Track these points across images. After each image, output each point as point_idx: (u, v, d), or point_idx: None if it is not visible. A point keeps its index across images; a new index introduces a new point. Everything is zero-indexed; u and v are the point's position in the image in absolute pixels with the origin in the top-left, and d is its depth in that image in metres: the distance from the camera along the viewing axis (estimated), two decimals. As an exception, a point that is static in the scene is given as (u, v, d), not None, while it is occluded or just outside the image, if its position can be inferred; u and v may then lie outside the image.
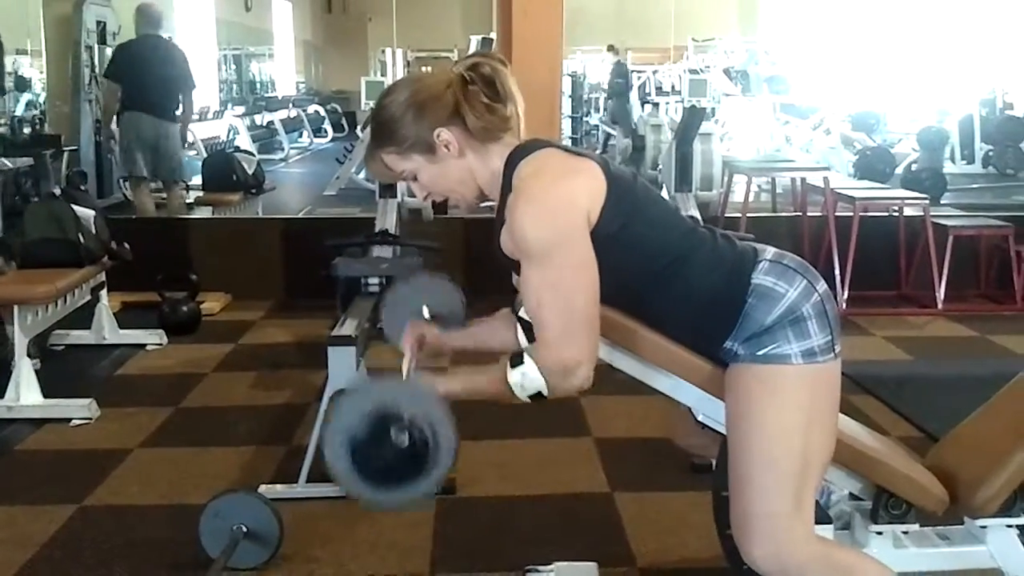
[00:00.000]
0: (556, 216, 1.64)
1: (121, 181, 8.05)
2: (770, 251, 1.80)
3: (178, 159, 6.60)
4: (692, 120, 5.87)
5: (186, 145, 8.58)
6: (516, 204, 1.65)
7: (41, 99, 9.20)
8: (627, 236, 1.70)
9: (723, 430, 1.85)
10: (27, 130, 7.27)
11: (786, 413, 1.71)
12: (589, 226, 1.67)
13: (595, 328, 1.67)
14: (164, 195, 6.79)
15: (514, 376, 1.66)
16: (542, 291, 1.65)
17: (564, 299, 1.64)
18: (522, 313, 1.90)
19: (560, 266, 1.63)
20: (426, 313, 2.10)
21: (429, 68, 16.77)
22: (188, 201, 7.88)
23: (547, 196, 1.65)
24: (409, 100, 1.73)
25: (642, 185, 1.82)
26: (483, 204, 1.86)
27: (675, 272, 1.75)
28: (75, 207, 4.24)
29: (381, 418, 1.59)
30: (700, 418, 1.95)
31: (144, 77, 6.22)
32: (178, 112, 6.49)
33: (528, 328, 1.79)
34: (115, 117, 6.39)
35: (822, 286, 1.78)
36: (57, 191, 4.72)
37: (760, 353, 1.73)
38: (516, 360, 1.67)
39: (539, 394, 1.67)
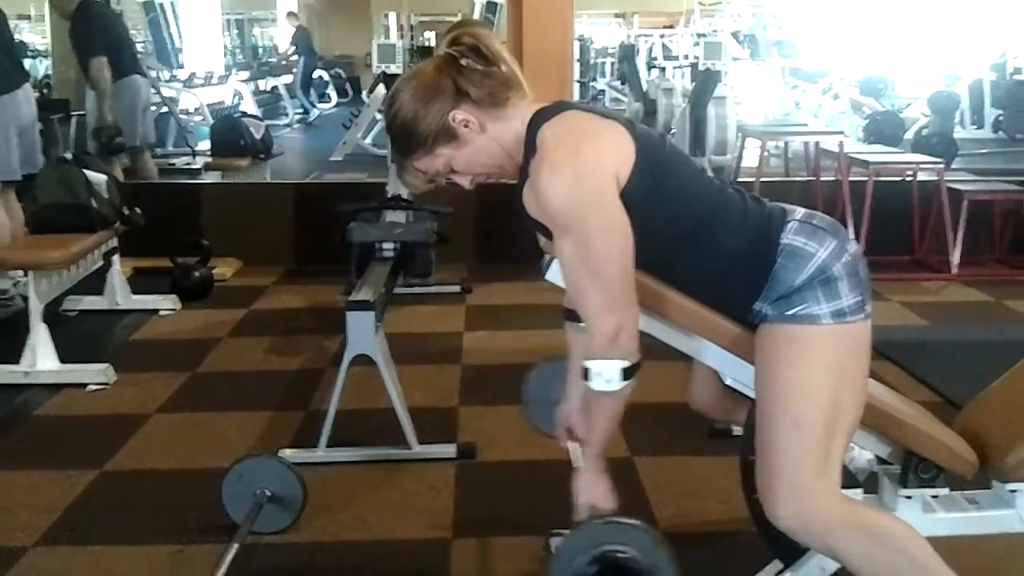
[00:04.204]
0: (581, 180, 1.63)
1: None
2: (800, 211, 1.79)
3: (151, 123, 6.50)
4: (706, 84, 5.82)
5: (174, 107, 8.50)
6: (540, 172, 1.64)
7: (45, 65, 9.14)
8: (656, 198, 1.69)
9: (751, 394, 1.84)
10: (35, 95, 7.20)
11: (814, 373, 1.70)
12: (618, 187, 1.65)
13: (631, 290, 1.67)
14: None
15: (597, 384, 1.69)
16: (574, 258, 1.65)
17: (596, 264, 1.63)
18: (549, 276, 1.89)
19: (591, 231, 1.63)
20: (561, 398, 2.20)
21: (433, 32, 16.66)
22: (195, 166, 7.88)
23: (571, 161, 1.64)
24: (413, 99, 1.72)
25: (670, 146, 1.81)
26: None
27: (704, 233, 1.74)
28: (87, 172, 4.21)
29: (607, 559, 1.71)
30: (728, 382, 1.95)
31: (118, 39, 6.00)
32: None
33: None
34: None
35: (853, 246, 1.77)
36: (68, 156, 4.68)
37: (789, 313, 1.72)
38: (584, 375, 1.70)
39: (623, 372, 1.69)
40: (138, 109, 6.17)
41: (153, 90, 9.12)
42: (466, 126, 1.73)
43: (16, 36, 10.80)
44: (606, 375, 1.68)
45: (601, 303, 1.65)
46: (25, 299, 3.89)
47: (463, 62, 1.71)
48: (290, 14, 15.65)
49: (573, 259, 1.66)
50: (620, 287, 1.66)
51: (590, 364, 1.68)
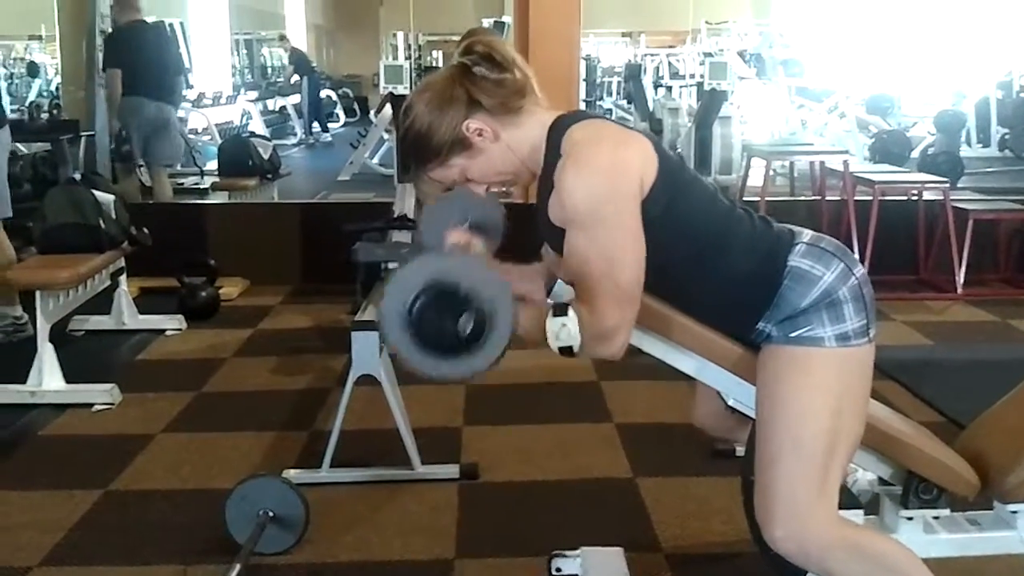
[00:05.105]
0: (610, 180, 1.62)
1: (137, 168, 8.07)
2: (807, 234, 1.79)
3: (178, 144, 6.63)
4: (712, 103, 5.83)
5: (183, 127, 8.63)
6: (567, 168, 1.63)
7: (53, 85, 9.21)
8: (670, 215, 1.69)
9: (753, 414, 1.84)
10: (44, 116, 7.27)
11: (816, 395, 1.70)
12: (640, 196, 1.65)
13: (637, 298, 1.66)
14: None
15: (553, 325, 1.62)
16: (589, 254, 1.62)
17: (611, 264, 1.62)
18: (554, 298, 1.89)
19: (610, 231, 1.62)
20: (466, 223, 2.05)
21: (440, 52, 16.75)
22: (203, 186, 7.93)
23: (601, 161, 1.63)
24: (426, 110, 1.72)
25: (689, 169, 1.82)
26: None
27: (713, 253, 1.75)
28: (95, 192, 4.24)
29: (439, 287, 1.55)
30: (731, 403, 1.95)
31: (143, 61, 6.25)
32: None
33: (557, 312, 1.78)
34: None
35: (859, 269, 1.77)
36: (77, 176, 4.71)
37: (793, 335, 1.72)
38: (559, 310, 1.63)
39: (570, 349, 1.63)
40: (133, 128, 6.30)
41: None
42: (480, 135, 1.72)
43: (27, 56, 10.89)
44: (563, 337, 1.61)
45: (610, 298, 1.62)
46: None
47: (475, 70, 1.71)
48: (281, 37, 15.72)
49: (590, 254, 1.62)
50: (631, 290, 1.64)
51: (569, 320, 1.60)
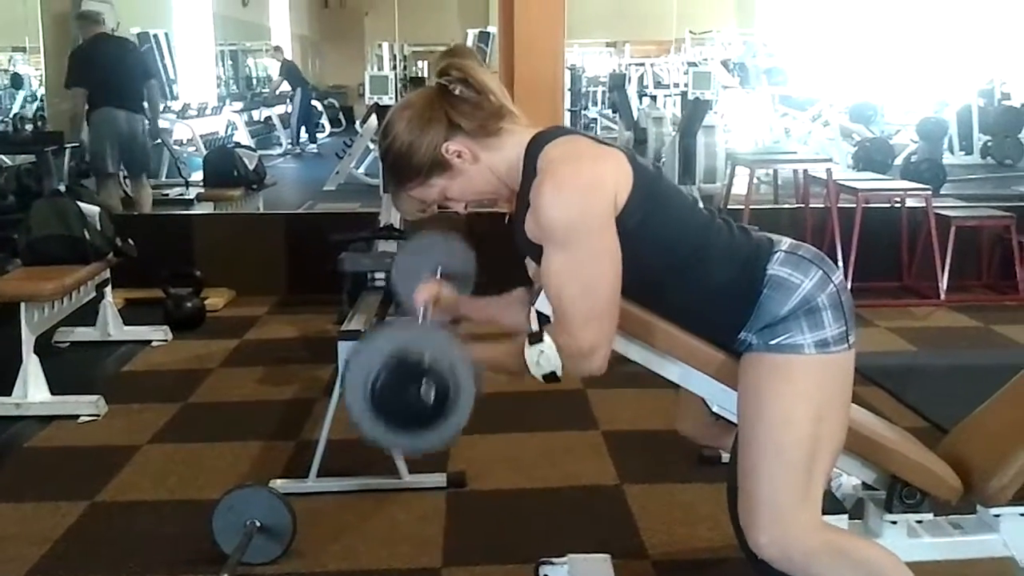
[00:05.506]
0: (584, 198, 1.63)
1: (121, 178, 8.05)
2: (786, 242, 1.81)
3: (148, 153, 6.65)
4: (696, 113, 5.87)
5: (167, 138, 8.62)
6: (543, 185, 1.64)
7: (39, 96, 9.18)
8: (648, 228, 1.70)
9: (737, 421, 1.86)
10: (28, 127, 7.26)
11: (796, 402, 1.72)
12: (615, 212, 1.67)
13: (615, 314, 1.67)
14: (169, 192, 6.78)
15: (531, 354, 1.66)
16: (564, 275, 1.64)
17: (586, 284, 1.63)
18: (539, 306, 1.90)
19: (584, 249, 1.63)
20: (438, 272, 2.09)
21: (426, 63, 16.78)
22: (189, 197, 7.92)
23: (576, 178, 1.64)
24: (406, 132, 1.73)
25: (666, 179, 1.83)
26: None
27: (692, 264, 1.76)
28: (80, 203, 4.23)
29: (401, 361, 1.57)
30: (715, 409, 1.96)
31: (109, 74, 6.29)
32: (145, 105, 6.57)
33: (544, 322, 1.79)
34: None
35: (838, 276, 1.78)
36: (62, 188, 4.70)
37: (773, 343, 1.74)
38: (535, 338, 1.66)
39: (553, 374, 1.66)
40: (107, 139, 6.33)
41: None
42: (459, 157, 1.73)
43: (11, 68, 10.85)
44: (543, 364, 1.65)
45: (588, 317, 1.64)
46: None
47: (451, 88, 1.72)
48: (276, 48, 15.77)
49: (564, 274, 1.64)
50: (608, 307, 1.66)
51: (545, 347, 1.64)
